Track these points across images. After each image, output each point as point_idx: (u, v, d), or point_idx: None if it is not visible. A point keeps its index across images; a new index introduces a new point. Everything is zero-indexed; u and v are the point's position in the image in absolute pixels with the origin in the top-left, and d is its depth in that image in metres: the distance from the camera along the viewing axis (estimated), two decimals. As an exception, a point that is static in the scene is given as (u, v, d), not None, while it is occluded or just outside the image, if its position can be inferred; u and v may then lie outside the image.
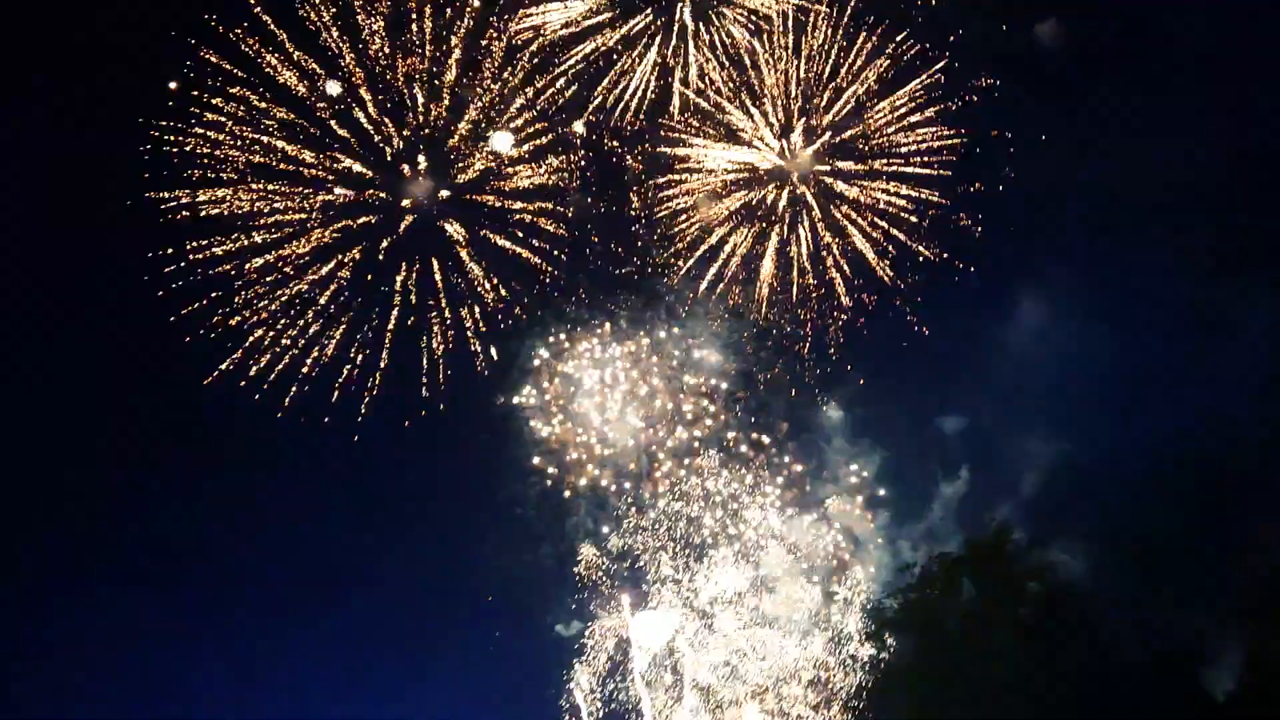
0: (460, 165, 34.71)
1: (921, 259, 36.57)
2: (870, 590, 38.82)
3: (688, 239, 38.12)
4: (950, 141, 36.70)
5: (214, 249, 33.65)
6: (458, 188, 34.94)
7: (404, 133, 33.67)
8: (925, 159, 36.93)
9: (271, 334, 34.25)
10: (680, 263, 38.11)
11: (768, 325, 38.17)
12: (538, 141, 35.00)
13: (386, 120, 33.45)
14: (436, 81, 33.51)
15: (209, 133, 32.32)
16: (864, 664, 37.55)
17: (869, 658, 37.59)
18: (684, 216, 38.06)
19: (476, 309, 34.85)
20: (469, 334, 35.08)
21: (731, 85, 37.23)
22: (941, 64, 36.42)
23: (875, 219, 37.44)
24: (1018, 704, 34.50)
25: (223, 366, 34.07)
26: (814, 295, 37.77)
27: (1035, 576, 36.68)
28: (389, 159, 33.99)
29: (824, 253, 37.95)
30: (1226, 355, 34.99)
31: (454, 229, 34.70)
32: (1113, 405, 36.28)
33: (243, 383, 34.03)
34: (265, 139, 32.62)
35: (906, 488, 38.53)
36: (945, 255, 36.64)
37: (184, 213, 32.85)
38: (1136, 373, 35.85)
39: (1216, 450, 34.30)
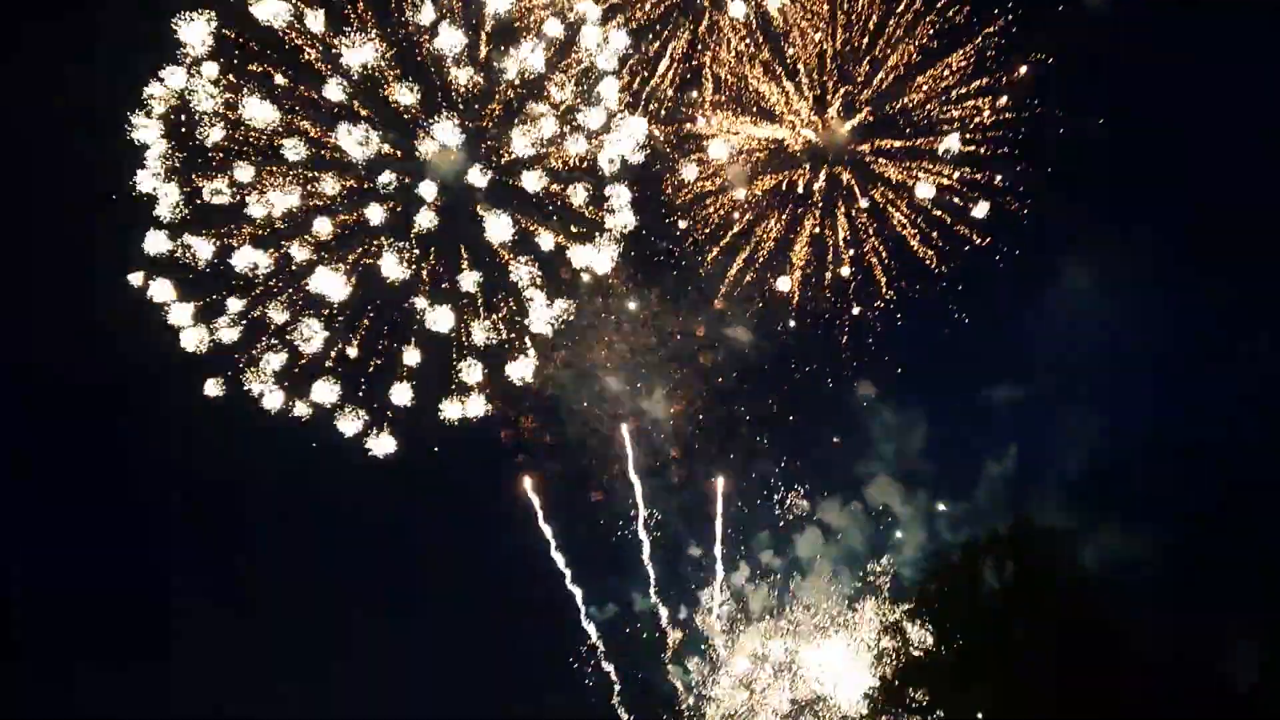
0: (491, 144, 32.72)
1: (967, 247, 35.46)
2: (901, 573, 38.77)
3: (719, 222, 36.72)
4: (996, 117, 35.36)
5: (225, 239, 31.56)
6: (488, 166, 32.99)
7: (434, 112, 31.56)
8: (969, 135, 35.59)
9: (289, 331, 32.43)
10: (713, 247, 36.77)
11: (802, 313, 37.13)
12: (571, 120, 32.93)
13: (415, 99, 31.28)
14: (467, 58, 31.34)
15: (226, 111, 29.89)
16: (885, 654, 37.38)
17: (890, 648, 37.40)
18: (716, 199, 36.60)
19: (511, 300, 33.19)
20: (501, 326, 33.51)
21: (764, 60, 35.44)
22: (991, 30, 34.82)
23: (916, 200, 36.21)
24: (1037, 695, 34.56)
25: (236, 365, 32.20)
26: (851, 283, 36.69)
27: (1057, 567, 36.52)
28: (417, 139, 31.94)
29: (862, 234, 36.76)
30: (1259, 350, 34.69)
31: (489, 214, 32.80)
32: (1145, 398, 36.03)
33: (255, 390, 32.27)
34: (287, 118, 30.29)
35: (941, 473, 38.29)
36: (990, 239, 35.53)
37: (196, 201, 30.61)
38: (1172, 365, 35.54)
39: (1241, 443, 34.20)
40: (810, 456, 38.69)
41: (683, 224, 36.16)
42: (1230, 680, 33.10)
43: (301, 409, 33.43)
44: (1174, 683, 33.18)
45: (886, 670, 36.93)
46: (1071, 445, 36.45)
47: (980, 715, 35.04)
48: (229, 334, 32.46)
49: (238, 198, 30.96)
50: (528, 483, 37.50)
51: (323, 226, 31.86)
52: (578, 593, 38.14)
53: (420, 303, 33.38)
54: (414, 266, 33.08)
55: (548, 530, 38.01)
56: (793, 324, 37.03)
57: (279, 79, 30.01)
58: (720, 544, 38.54)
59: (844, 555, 38.83)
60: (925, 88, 35.73)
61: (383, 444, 33.45)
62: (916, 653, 36.63)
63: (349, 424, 33.32)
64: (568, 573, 38.27)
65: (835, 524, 38.98)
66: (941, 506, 38.70)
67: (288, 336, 32.58)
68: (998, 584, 37.02)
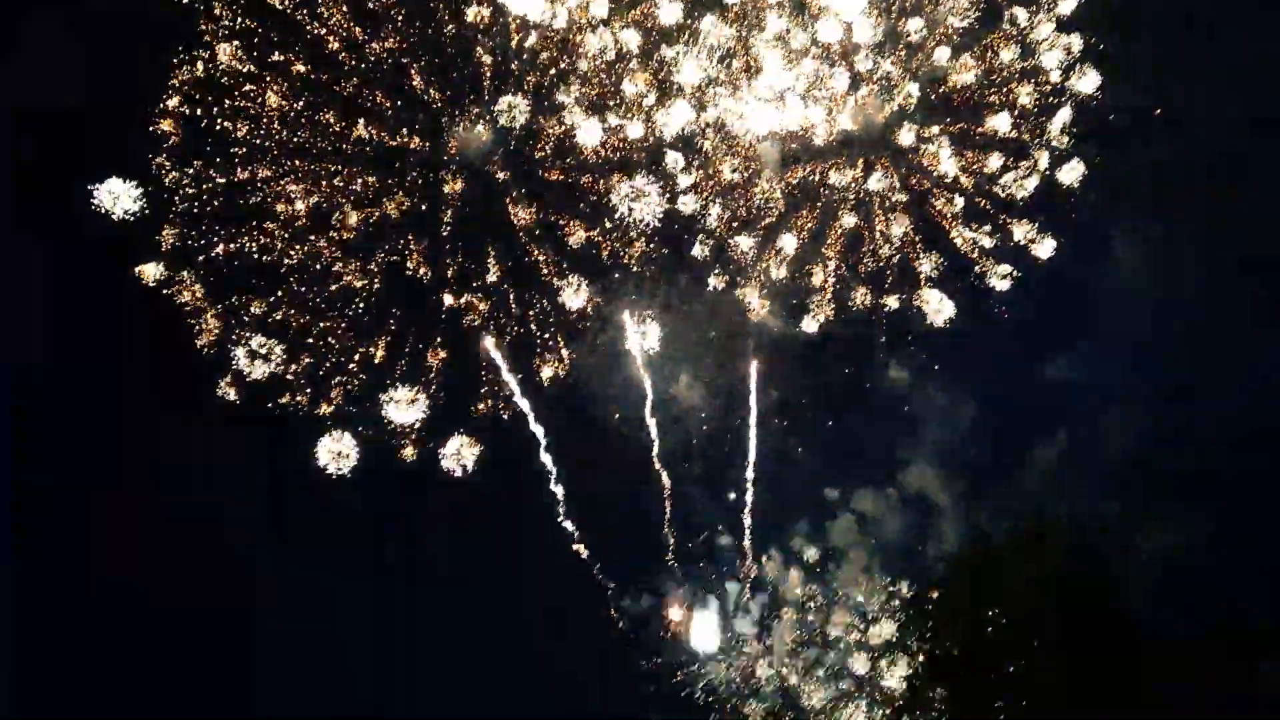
0: (520, 134, 31.35)
1: (1012, 242, 34.35)
2: (930, 565, 38.32)
3: (753, 210, 35.50)
4: (1041, 100, 34.21)
5: (244, 238, 30.17)
6: (516, 155, 31.69)
7: (461, 100, 30.12)
8: (1013, 119, 34.38)
9: (312, 334, 31.23)
10: (746, 234, 35.52)
11: (838, 303, 36.05)
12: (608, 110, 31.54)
13: (440, 87, 29.83)
14: (495, 44, 29.83)
15: (246, 105, 28.35)
16: (910, 652, 37.13)
17: (910, 646, 37.15)
18: (750, 186, 35.32)
19: (544, 299, 32.02)
20: (532, 326, 32.38)
21: (798, 44, 33.94)
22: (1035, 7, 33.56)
23: (956, 186, 35.09)
24: (1057, 699, 34.39)
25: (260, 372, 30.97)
26: (888, 273, 35.64)
27: (1081, 568, 36.10)
28: (440, 132, 30.51)
29: (898, 223, 35.58)
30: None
31: (513, 209, 31.53)
32: (1183, 392, 35.29)
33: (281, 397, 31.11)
34: (308, 112, 28.80)
35: (975, 464, 37.57)
36: (1038, 227, 34.38)
37: (218, 200, 29.18)
38: (1217, 357, 34.72)
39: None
40: (843, 446, 37.91)
41: (715, 211, 34.86)
42: (1267, 684, 32.91)
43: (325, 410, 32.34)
44: (1206, 685, 32.99)
45: (909, 669, 36.77)
46: (1111, 437, 35.81)
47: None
48: (249, 332, 31.21)
49: (259, 191, 29.55)
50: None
51: (346, 220, 30.51)
52: (608, 586, 37.57)
53: (447, 298, 32.25)
54: (439, 257, 31.93)
55: (570, 525, 37.29)
56: (828, 315, 35.97)
57: (300, 67, 28.38)
58: (754, 452, 37.39)
59: (876, 546, 38.35)
60: (966, 70, 34.53)
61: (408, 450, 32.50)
62: (939, 651, 36.43)
63: (374, 426, 32.33)
64: (595, 564, 37.65)
65: (869, 513, 38.39)
66: (973, 499, 38.08)
67: (309, 339, 31.36)
68: (1021, 583, 36.74)
